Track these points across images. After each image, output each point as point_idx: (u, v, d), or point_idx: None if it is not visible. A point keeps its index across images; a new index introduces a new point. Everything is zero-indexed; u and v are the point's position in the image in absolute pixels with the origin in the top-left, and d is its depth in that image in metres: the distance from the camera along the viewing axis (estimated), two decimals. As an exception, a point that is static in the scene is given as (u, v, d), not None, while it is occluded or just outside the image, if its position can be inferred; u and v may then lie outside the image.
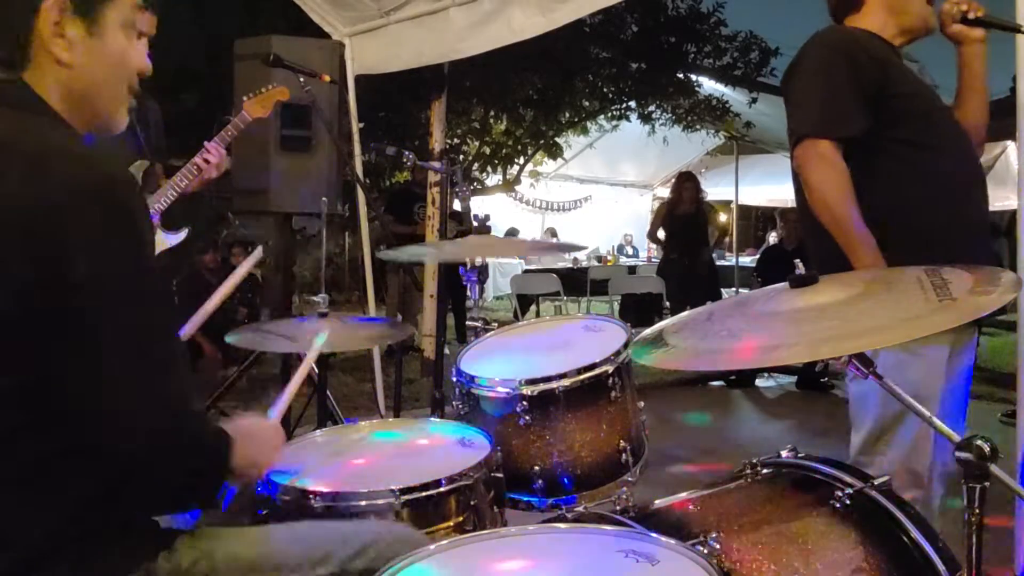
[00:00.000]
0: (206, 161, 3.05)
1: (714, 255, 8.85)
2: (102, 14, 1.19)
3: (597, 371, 1.93)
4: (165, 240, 3.10)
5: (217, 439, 1.25)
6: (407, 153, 3.26)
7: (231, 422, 1.35)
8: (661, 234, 8.05)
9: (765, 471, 1.75)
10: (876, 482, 1.60)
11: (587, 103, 10.70)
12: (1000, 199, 8.50)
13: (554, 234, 13.87)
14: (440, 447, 1.83)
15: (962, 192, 2.21)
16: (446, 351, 3.15)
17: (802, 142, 2.13)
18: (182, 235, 3.18)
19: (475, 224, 3.29)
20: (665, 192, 16.60)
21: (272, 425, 1.45)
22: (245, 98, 3.25)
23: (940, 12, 2.26)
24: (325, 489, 1.57)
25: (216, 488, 1.25)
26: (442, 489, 1.59)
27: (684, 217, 7.51)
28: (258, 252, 2.17)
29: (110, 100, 1.25)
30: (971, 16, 2.21)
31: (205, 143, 3.10)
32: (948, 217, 2.14)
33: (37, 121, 1.15)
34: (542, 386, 1.91)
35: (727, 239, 13.88)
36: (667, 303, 7.96)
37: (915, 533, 1.51)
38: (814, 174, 2.09)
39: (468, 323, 8.78)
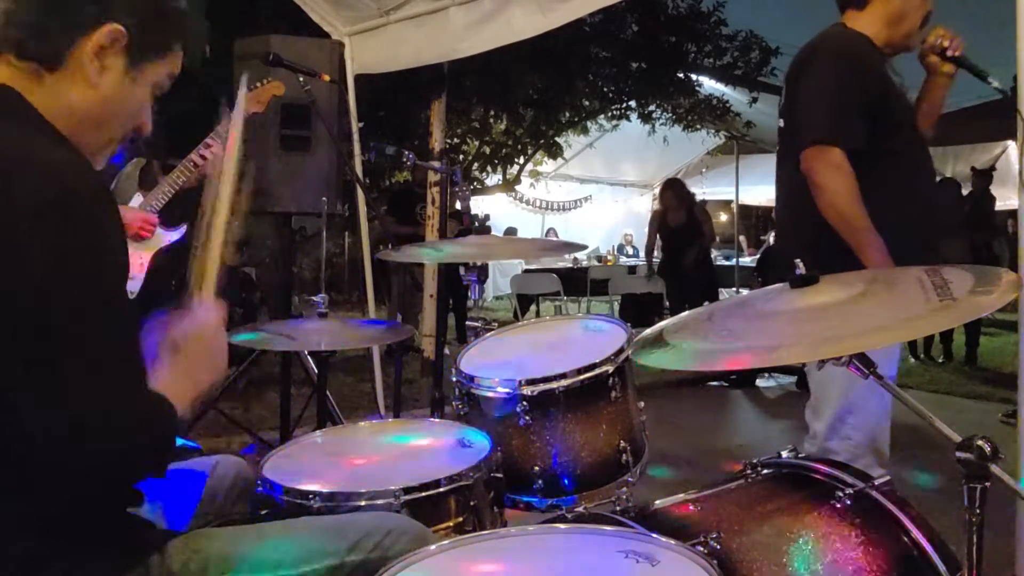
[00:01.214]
0: (203, 157, 3.06)
1: (714, 255, 8.76)
2: (147, 67, 1.25)
3: (597, 371, 1.93)
4: (164, 236, 3.11)
5: (160, 411, 1.19)
6: (407, 153, 3.26)
7: (166, 352, 1.28)
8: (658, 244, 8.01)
9: (765, 471, 1.76)
10: (877, 482, 1.60)
11: (587, 103, 10.70)
12: (1002, 199, 8.51)
13: (555, 234, 13.86)
14: (440, 447, 1.82)
15: (934, 198, 2.44)
16: (446, 351, 3.15)
17: (813, 147, 2.20)
18: (181, 231, 3.18)
19: (475, 224, 3.29)
20: (665, 192, 16.62)
21: (205, 338, 1.34)
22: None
23: (924, 40, 2.36)
24: (325, 489, 1.57)
25: (169, 452, 1.21)
26: (442, 489, 1.58)
27: (675, 226, 7.46)
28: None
29: (109, 139, 1.28)
30: (949, 54, 2.32)
31: (206, 140, 3.10)
32: (926, 220, 2.32)
33: (14, 127, 1.13)
34: (542, 386, 1.91)
35: (739, 239, 13.84)
36: (667, 303, 7.97)
37: (916, 533, 1.51)
38: (827, 179, 2.18)
39: (468, 323, 8.76)
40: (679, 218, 7.45)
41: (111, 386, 1.10)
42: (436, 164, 5.11)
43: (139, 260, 3.01)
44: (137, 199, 3.04)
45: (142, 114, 1.30)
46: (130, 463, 1.15)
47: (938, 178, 8.69)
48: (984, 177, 8.35)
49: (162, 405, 1.20)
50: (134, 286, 2.95)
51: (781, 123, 2.44)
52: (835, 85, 2.22)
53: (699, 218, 7.61)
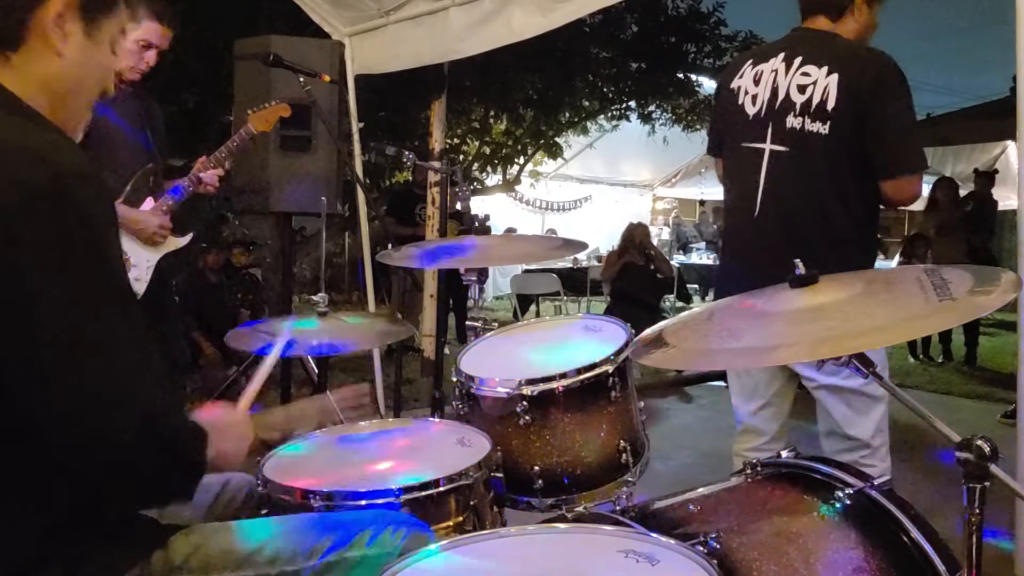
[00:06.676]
0: (199, 180, 3.12)
1: (712, 256, 8.52)
2: (101, 24, 1.24)
3: (597, 371, 1.93)
4: (173, 242, 3.14)
5: (193, 435, 1.24)
6: (407, 153, 3.27)
7: (203, 414, 1.34)
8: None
9: (765, 471, 1.76)
10: (876, 482, 1.60)
11: (587, 103, 10.70)
12: (1001, 199, 8.51)
13: (555, 235, 13.84)
14: (440, 447, 1.82)
15: None
16: (446, 351, 3.15)
17: (914, 175, 2.27)
18: (189, 237, 3.23)
19: (475, 224, 3.31)
20: (665, 192, 16.58)
21: (241, 417, 1.45)
22: (249, 111, 3.28)
23: None
24: (325, 489, 1.57)
25: (194, 482, 1.25)
26: (442, 489, 1.58)
27: (634, 268, 7.05)
28: None
29: (84, 106, 1.28)
30: None
31: (207, 169, 3.14)
32: None
33: None
34: (542, 386, 1.91)
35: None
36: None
37: (915, 533, 1.51)
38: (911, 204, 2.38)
39: (468, 323, 8.73)
40: (637, 260, 7.06)
41: (125, 374, 1.11)
42: (436, 164, 5.12)
43: (146, 263, 3.03)
44: (148, 204, 3.06)
45: (108, 76, 1.30)
46: (139, 460, 1.13)
47: (935, 178, 8.70)
48: (987, 179, 8.35)
49: (192, 421, 1.25)
50: (140, 287, 2.97)
51: (810, 125, 2.25)
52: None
53: (658, 267, 7.09)
